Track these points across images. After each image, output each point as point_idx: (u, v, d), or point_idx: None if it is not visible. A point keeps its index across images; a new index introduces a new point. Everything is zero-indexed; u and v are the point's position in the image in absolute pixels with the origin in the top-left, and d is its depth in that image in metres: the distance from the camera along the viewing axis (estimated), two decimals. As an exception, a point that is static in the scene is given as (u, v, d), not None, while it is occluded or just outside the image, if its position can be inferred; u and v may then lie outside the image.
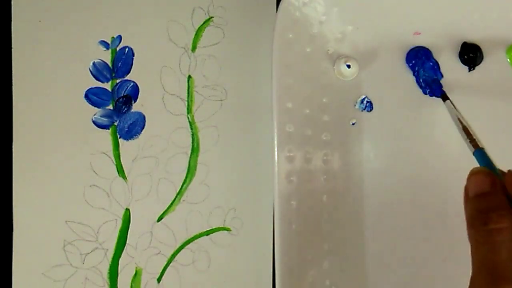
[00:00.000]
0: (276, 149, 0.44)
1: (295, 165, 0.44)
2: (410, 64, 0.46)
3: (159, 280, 0.47)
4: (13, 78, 0.46)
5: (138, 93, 0.48)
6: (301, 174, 0.45)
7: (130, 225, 0.47)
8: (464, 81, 0.47)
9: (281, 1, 0.43)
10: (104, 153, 0.47)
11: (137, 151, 0.47)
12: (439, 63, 0.47)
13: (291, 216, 0.44)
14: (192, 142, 0.48)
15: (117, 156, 0.47)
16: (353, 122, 0.47)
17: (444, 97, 0.45)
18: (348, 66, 0.45)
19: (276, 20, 0.43)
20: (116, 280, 0.47)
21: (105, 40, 0.47)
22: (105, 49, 0.47)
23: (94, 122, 0.47)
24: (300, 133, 0.45)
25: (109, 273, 0.47)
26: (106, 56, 0.47)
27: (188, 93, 0.48)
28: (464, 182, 0.37)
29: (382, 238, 0.47)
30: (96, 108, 0.47)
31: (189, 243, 0.48)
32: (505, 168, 0.38)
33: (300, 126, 0.45)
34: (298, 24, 0.44)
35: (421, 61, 0.46)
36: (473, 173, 0.38)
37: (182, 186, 0.48)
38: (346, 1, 0.44)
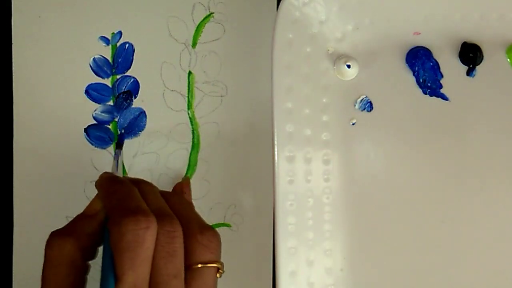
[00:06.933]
0: (276, 149, 0.44)
1: (295, 165, 0.45)
2: (410, 64, 0.47)
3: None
4: (13, 74, 0.46)
5: (139, 89, 0.48)
6: (301, 174, 0.45)
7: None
8: (464, 81, 0.47)
9: (281, 1, 0.43)
10: (104, 148, 0.47)
11: (138, 147, 0.48)
12: (439, 63, 0.46)
13: (291, 216, 0.44)
14: (193, 138, 0.48)
15: (118, 152, 0.47)
16: (353, 122, 0.47)
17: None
18: (348, 66, 0.45)
19: (276, 20, 0.43)
20: (117, 276, 0.47)
21: (106, 36, 0.47)
22: (105, 44, 0.47)
23: (94, 118, 0.47)
24: (300, 133, 0.45)
25: (110, 269, 0.47)
26: (107, 52, 0.47)
27: (189, 89, 0.48)
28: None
29: (382, 238, 0.47)
30: (96, 104, 0.47)
31: (190, 239, 0.48)
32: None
33: (300, 126, 0.45)
34: (298, 24, 0.44)
35: (421, 61, 0.46)
36: None
37: (182, 182, 0.48)
38: (346, 1, 0.44)
